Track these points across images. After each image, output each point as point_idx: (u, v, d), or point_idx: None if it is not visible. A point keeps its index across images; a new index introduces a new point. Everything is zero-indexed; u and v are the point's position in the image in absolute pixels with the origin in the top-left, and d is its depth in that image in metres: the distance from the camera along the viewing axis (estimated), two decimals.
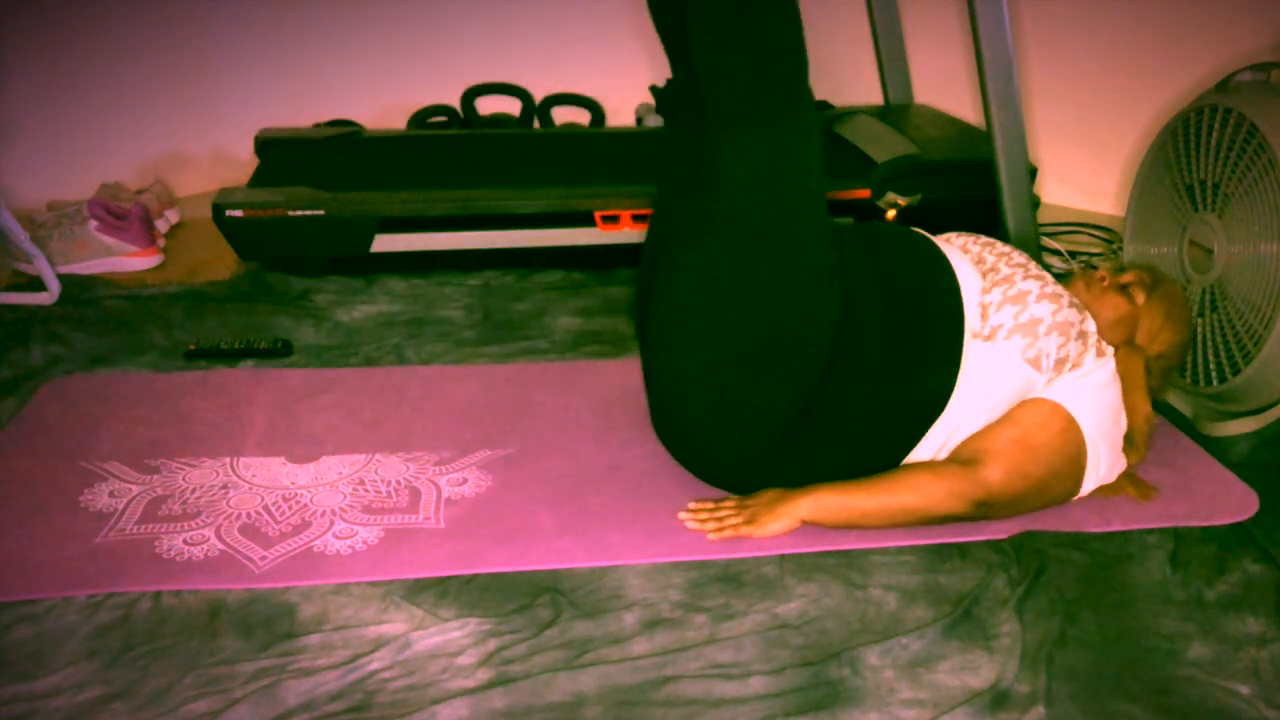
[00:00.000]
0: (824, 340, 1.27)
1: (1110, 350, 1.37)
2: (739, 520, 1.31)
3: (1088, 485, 1.36)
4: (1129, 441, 1.40)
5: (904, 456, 1.35)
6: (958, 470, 1.30)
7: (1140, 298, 1.45)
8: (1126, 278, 1.47)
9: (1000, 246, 1.43)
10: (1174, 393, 1.70)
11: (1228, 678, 1.11)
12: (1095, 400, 1.33)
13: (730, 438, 1.32)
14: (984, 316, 1.33)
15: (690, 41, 1.27)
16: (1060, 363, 1.31)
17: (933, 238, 1.43)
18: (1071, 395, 1.32)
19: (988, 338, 1.31)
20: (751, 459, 1.33)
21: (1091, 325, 1.35)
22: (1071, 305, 1.33)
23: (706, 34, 1.25)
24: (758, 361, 1.26)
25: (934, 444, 1.34)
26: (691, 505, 1.36)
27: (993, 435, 1.31)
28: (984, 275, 1.37)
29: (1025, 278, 1.34)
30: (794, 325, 1.26)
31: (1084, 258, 2.28)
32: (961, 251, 1.42)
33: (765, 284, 1.25)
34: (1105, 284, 1.46)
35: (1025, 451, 1.30)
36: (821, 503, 1.30)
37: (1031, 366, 1.31)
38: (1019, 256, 1.40)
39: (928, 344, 1.32)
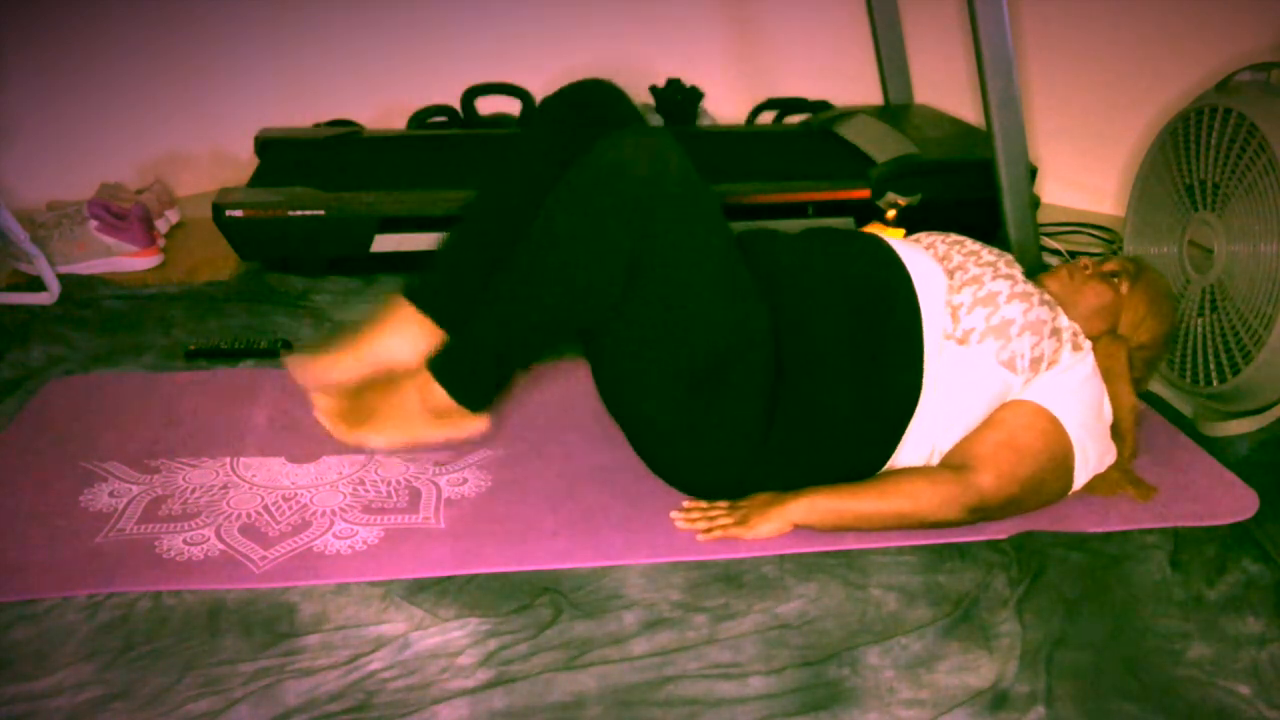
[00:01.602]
0: (762, 345, 1.27)
1: (1088, 344, 1.37)
2: (729, 521, 1.31)
3: (1079, 480, 1.35)
4: (1115, 432, 1.40)
5: (885, 460, 1.35)
6: (950, 476, 1.30)
7: (1124, 286, 1.44)
8: (1110, 266, 1.46)
9: (970, 245, 1.42)
10: (1174, 393, 1.70)
11: (1228, 678, 1.11)
12: (1076, 396, 1.33)
13: (705, 459, 1.32)
14: (955, 318, 1.32)
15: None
16: (1035, 362, 1.31)
17: (893, 240, 1.42)
18: (1052, 394, 1.32)
19: (961, 340, 1.31)
20: (731, 473, 1.33)
21: (1065, 321, 1.35)
22: (1043, 303, 1.32)
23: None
24: (706, 384, 1.26)
25: (920, 449, 1.34)
26: (685, 505, 1.36)
27: (980, 440, 1.31)
28: (951, 274, 1.37)
29: (994, 277, 1.33)
30: (727, 342, 1.26)
31: (1083, 258, 2.27)
32: (927, 250, 1.41)
33: (687, 331, 1.25)
34: (1089, 272, 1.45)
35: (1014, 454, 1.30)
36: (814, 506, 1.30)
37: (1007, 369, 1.30)
38: (989, 254, 1.39)
39: (889, 345, 1.31)
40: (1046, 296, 1.34)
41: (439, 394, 1.25)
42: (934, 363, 1.31)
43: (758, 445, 1.30)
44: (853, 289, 1.33)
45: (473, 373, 1.27)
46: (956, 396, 1.32)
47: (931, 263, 1.37)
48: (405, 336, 1.31)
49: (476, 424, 1.29)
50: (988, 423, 1.32)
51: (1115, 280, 1.44)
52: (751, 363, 1.27)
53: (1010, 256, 1.40)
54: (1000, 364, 1.30)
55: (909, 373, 1.31)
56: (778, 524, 1.30)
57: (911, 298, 1.32)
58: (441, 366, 1.26)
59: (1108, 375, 1.39)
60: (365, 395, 1.29)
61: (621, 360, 1.29)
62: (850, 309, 1.32)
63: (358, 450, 1.49)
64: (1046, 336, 1.31)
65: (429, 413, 1.26)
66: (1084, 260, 1.47)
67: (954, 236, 1.45)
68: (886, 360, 1.31)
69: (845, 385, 1.30)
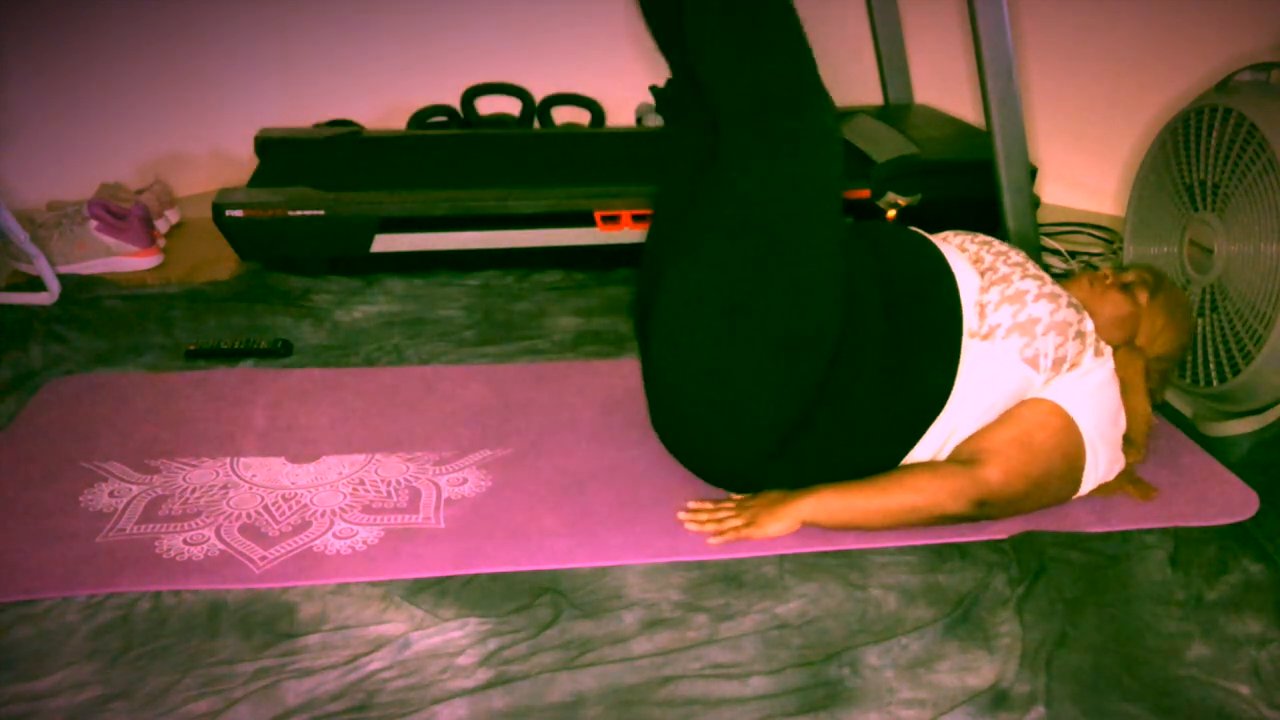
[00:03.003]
0: (831, 339, 1.27)
1: (1109, 350, 1.37)
2: (739, 523, 1.31)
3: (1087, 485, 1.36)
4: (1128, 442, 1.40)
5: (904, 456, 1.35)
6: (958, 470, 1.30)
7: (1143, 298, 1.45)
8: (1130, 277, 1.47)
9: (998, 245, 1.43)
10: (1174, 393, 1.70)
11: (1228, 678, 1.11)
12: (1094, 400, 1.33)
13: (731, 437, 1.32)
14: (981, 315, 1.33)
15: (691, 45, 1.26)
16: (1058, 362, 1.31)
17: (930, 237, 1.43)
18: (1070, 395, 1.32)
19: (985, 336, 1.32)
20: (753, 459, 1.33)
21: (1089, 325, 1.35)
22: (1070, 305, 1.33)
23: (706, 36, 1.24)
24: (764, 360, 1.26)
25: (933, 444, 1.34)
26: (691, 505, 1.35)
27: (992, 435, 1.31)
28: (982, 274, 1.37)
29: (1023, 277, 1.34)
30: (805, 325, 1.26)
31: (1084, 258, 2.28)
32: (959, 250, 1.42)
33: (779, 286, 1.24)
34: (1109, 282, 1.46)
35: (1025, 451, 1.30)
36: (822, 504, 1.30)
37: (1029, 366, 1.31)
38: (1016, 255, 1.40)
39: (927, 343, 1.32)
40: (1074, 299, 1.35)
41: None
42: (960, 359, 1.32)
43: (783, 436, 1.29)
44: (898, 288, 1.33)
45: None
46: (977, 391, 1.32)
47: (966, 263, 1.38)
48: None
49: None
50: (1002, 419, 1.32)
51: (1134, 291, 1.45)
52: (813, 357, 1.26)
53: (1036, 261, 1.41)
54: (1023, 360, 1.30)
55: (943, 374, 1.31)
56: (787, 522, 1.30)
57: (955, 301, 1.33)
58: None
59: (1124, 386, 1.39)
60: None
61: (702, 306, 1.27)
62: (893, 307, 1.32)
63: (357, 451, 1.49)
64: (1071, 338, 1.31)
65: None
66: (1104, 270, 1.48)
67: (982, 236, 1.46)
68: (920, 361, 1.31)
69: (878, 382, 1.30)
